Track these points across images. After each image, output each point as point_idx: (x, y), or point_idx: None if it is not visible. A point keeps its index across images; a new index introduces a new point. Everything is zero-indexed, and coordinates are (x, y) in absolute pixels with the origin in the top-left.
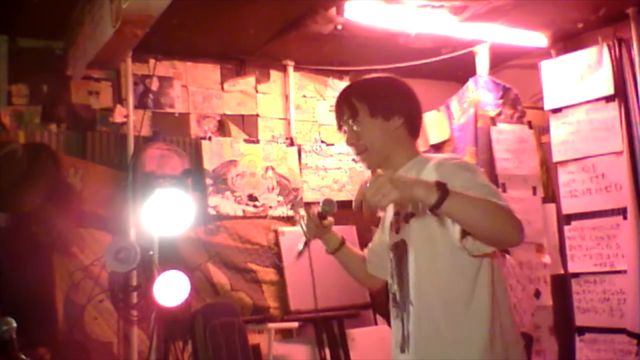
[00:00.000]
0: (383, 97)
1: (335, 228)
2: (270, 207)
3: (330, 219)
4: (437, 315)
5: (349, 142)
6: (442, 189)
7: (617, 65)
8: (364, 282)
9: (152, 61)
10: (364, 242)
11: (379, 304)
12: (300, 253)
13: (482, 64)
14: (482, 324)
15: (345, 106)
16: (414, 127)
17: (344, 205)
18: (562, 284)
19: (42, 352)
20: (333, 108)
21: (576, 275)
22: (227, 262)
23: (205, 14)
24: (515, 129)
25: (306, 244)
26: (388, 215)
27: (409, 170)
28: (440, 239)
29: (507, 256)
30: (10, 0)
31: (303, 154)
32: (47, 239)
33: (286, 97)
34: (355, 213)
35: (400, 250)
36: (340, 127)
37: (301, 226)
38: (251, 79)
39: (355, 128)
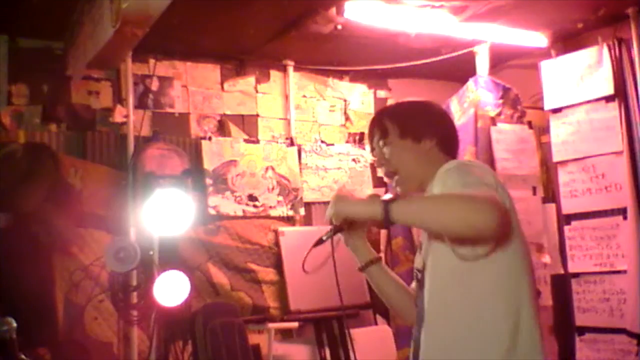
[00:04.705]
0: (414, 118)
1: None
2: (271, 207)
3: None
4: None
5: (379, 164)
6: (385, 200)
7: (617, 65)
8: (404, 315)
9: (152, 61)
10: None
11: (379, 304)
12: (321, 241)
13: (482, 64)
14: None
15: (377, 127)
16: (448, 147)
17: None
18: (562, 284)
19: (42, 352)
20: (333, 108)
21: (576, 275)
22: (227, 262)
23: (205, 14)
24: (515, 129)
25: (335, 231)
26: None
27: (432, 186)
28: (445, 258)
29: None
30: (10, 0)
31: (303, 154)
32: (47, 239)
33: (286, 97)
34: None
35: (421, 275)
36: (372, 150)
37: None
38: (251, 79)
39: (384, 149)
